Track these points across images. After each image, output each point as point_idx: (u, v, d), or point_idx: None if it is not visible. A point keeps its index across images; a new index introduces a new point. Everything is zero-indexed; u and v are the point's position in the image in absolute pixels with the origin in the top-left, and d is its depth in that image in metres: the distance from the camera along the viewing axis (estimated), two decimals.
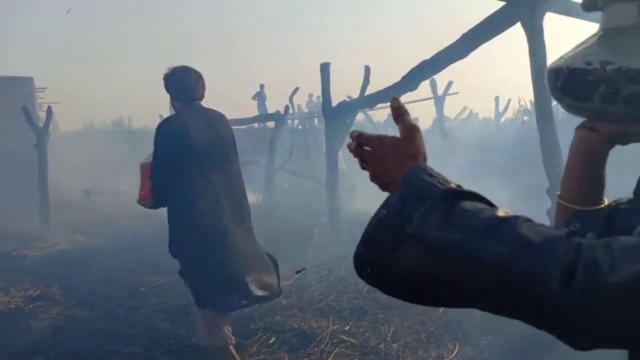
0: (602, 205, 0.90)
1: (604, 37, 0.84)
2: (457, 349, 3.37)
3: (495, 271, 0.60)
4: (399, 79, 5.25)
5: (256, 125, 17.09)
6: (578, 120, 0.92)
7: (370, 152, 0.80)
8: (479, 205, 0.66)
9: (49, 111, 8.34)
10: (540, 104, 3.50)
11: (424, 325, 3.73)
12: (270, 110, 13.41)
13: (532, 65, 3.53)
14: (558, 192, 0.95)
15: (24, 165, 8.81)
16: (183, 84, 2.87)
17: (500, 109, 12.56)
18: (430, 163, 0.76)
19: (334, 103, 6.52)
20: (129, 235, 7.40)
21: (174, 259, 2.95)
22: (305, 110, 16.54)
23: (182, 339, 3.83)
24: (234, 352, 3.05)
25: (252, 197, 10.57)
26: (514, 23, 3.71)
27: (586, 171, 0.90)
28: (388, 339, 3.50)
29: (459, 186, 0.70)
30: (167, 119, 3.03)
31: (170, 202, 2.83)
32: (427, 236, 0.64)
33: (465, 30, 4.17)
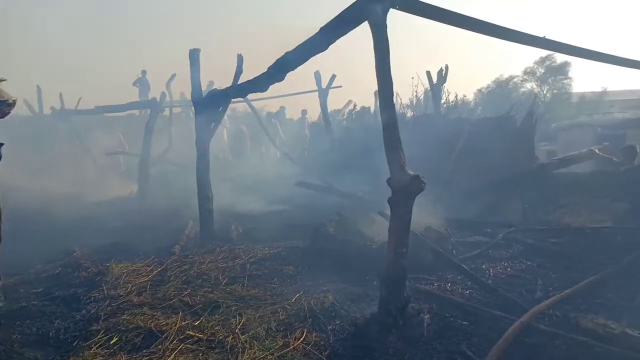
0: None
1: None
2: (304, 335, 3.41)
3: None
4: None
5: (137, 112, 16.19)
6: None
7: None
8: None
9: None
10: (383, 94, 3.64)
11: (275, 314, 3.75)
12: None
13: (376, 58, 3.67)
14: None
15: None
16: None
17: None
18: None
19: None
20: None
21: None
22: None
23: (13, 345, 3.48)
24: None
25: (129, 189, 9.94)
26: (363, 19, 3.83)
27: None
28: (237, 331, 3.45)
29: None
30: None
31: None
32: None
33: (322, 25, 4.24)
